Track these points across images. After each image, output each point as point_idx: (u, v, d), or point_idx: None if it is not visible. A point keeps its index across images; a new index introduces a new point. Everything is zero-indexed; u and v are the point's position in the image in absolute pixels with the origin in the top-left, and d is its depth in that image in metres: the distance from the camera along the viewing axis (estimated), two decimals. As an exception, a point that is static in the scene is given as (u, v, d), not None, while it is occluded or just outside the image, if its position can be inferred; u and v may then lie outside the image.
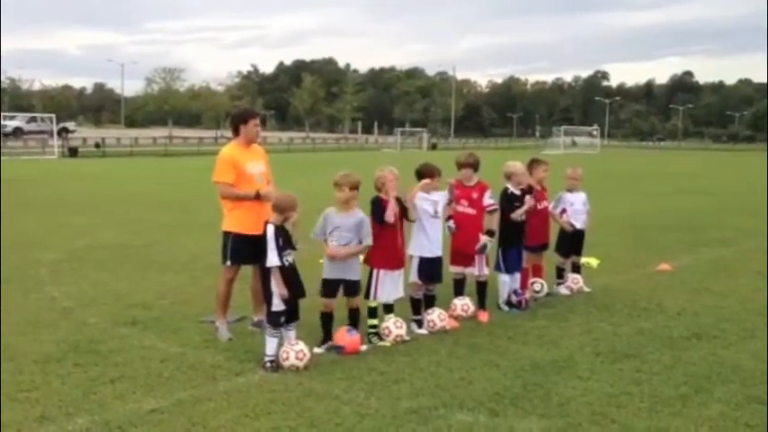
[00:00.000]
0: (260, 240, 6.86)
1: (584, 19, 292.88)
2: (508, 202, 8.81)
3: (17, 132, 68.45)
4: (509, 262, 8.88)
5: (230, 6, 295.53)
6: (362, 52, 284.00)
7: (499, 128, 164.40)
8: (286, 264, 6.70)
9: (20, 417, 5.50)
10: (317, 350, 7.08)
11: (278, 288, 6.66)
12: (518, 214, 8.78)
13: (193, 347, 7.25)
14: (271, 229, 6.69)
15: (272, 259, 6.65)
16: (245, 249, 7.52)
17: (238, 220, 7.59)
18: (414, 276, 8.05)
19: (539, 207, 9.33)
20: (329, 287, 7.24)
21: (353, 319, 7.37)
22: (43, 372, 6.46)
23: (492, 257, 8.88)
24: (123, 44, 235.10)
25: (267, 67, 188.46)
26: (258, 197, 7.49)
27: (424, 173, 7.97)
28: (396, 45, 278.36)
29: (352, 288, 7.36)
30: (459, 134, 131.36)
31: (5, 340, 7.34)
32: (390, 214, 7.41)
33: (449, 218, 8.58)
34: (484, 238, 8.43)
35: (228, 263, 7.70)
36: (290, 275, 6.73)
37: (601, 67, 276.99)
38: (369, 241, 7.33)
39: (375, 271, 7.56)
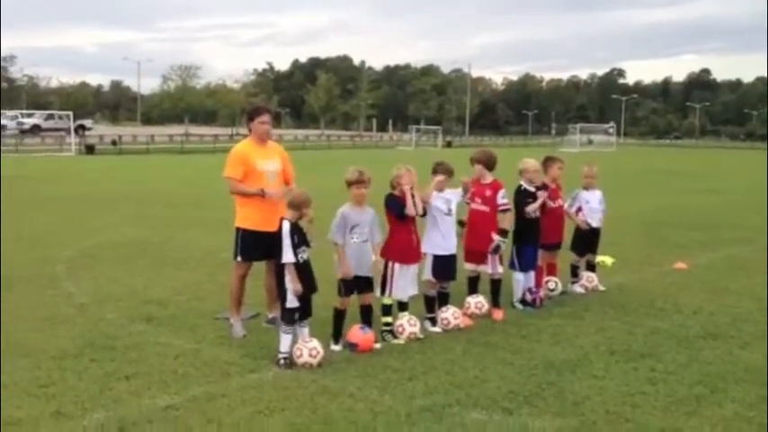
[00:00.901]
0: (271, 237, 6.91)
1: (600, 16, 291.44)
2: (521, 198, 8.81)
3: (35, 129, 69.04)
4: (523, 260, 8.86)
5: (245, 4, 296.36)
6: (377, 49, 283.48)
7: (514, 125, 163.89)
8: (300, 260, 6.73)
9: (36, 412, 5.55)
10: (334, 348, 7.10)
11: (292, 284, 6.68)
12: (532, 209, 8.77)
13: (208, 344, 7.29)
14: (286, 226, 6.71)
15: (287, 256, 6.67)
16: (255, 245, 7.57)
17: (248, 217, 7.64)
18: (428, 274, 8.06)
19: (553, 205, 9.32)
20: (348, 285, 7.25)
21: (366, 316, 7.38)
22: (60, 367, 6.51)
23: (506, 255, 8.87)
24: (139, 42, 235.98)
25: (282, 65, 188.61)
26: (263, 195, 7.51)
27: (438, 171, 7.99)
28: (411, 42, 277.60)
29: (365, 284, 7.37)
30: (475, 132, 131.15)
31: (23, 336, 7.41)
32: (411, 207, 7.43)
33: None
34: (497, 238, 8.42)
35: (239, 258, 7.75)
36: (303, 272, 6.76)
37: (617, 64, 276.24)
38: (380, 238, 7.39)
39: (390, 264, 7.56)
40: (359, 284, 7.31)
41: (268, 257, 7.53)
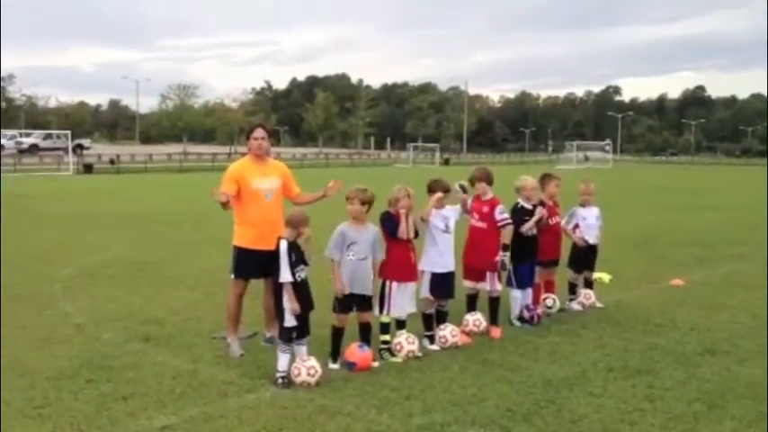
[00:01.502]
0: (267, 256, 6.93)
1: (595, 33, 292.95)
2: (518, 216, 8.82)
3: (33, 149, 69.13)
4: (520, 277, 8.86)
5: (243, 23, 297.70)
6: (375, 67, 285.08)
7: (511, 143, 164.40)
8: (298, 279, 6.73)
9: (32, 433, 5.52)
10: (332, 366, 7.09)
11: (290, 303, 6.67)
12: (527, 228, 8.77)
13: (205, 364, 7.27)
14: (284, 245, 6.72)
15: (285, 275, 6.67)
16: (248, 264, 7.57)
17: (242, 235, 7.66)
18: (425, 292, 8.05)
19: (551, 222, 9.32)
20: (344, 302, 7.24)
21: (364, 334, 7.37)
22: (56, 388, 6.48)
23: (504, 273, 8.86)
24: (138, 61, 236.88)
25: (280, 83, 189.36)
26: (224, 205, 7.48)
27: (434, 189, 8.01)
28: (408, 60, 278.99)
29: (364, 303, 7.36)
30: (472, 149, 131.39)
31: (19, 356, 7.38)
32: (404, 230, 7.45)
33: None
34: (500, 254, 8.43)
35: (232, 276, 7.75)
36: (301, 291, 6.76)
37: (613, 81, 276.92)
38: (381, 256, 7.39)
39: (388, 284, 7.56)
40: (357, 302, 7.30)
41: (265, 276, 7.53)
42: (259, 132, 7.78)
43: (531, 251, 8.93)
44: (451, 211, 8.14)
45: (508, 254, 8.51)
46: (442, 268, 8.02)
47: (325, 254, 7.20)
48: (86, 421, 5.75)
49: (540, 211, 8.88)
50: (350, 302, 7.25)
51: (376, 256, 7.36)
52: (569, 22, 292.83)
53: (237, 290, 7.80)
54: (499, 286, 8.61)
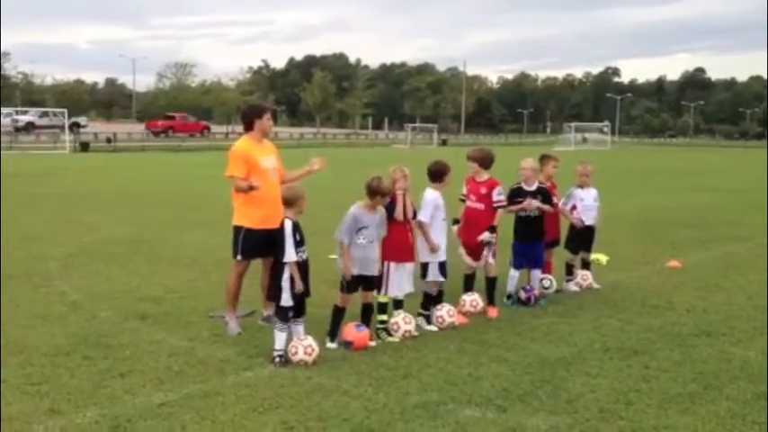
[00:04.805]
0: (271, 235, 6.90)
1: (595, 14, 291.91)
2: (513, 196, 8.80)
3: (29, 127, 68.84)
4: (514, 257, 8.88)
5: (241, 1, 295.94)
6: (373, 48, 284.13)
7: (510, 124, 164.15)
8: (300, 260, 6.73)
9: (29, 409, 5.53)
10: (330, 345, 7.10)
11: (295, 283, 6.66)
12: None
13: (202, 342, 7.27)
14: (289, 225, 6.72)
15: (290, 255, 6.67)
16: (256, 244, 7.56)
17: (249, 215, 7.61)
18: (434, 275, 8.00)
19: (550, 210, 9.31)
20: (352, 283, 7.24)
21: (367, 314, 7.38)
22: (53, 365, 6.49)
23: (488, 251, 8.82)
24: (134, 39, 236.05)
25: (278, 63, 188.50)
26: (251, 189, 7.44)
27: (443, 172, 8.00)
28: (407, 40, 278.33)
29: (370, 283, 7.37)
30: (470, 130, 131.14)
31: (15, 334, 7.38)
32: (400, 212, 7.44)
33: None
34: (485, 234, 8.42)
35: (239, 257, 7.72)
36: (302, 272, 6.76)
37: (612, 63, 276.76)
38: (384, 233, 7.44)
39: (386, 264, 7.56)
40: (363, 282, 7.31)
41: (267, 255, 7.52)
42: (271, 115, 7.93)
43: (522, 232, 8.89)
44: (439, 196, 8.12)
45: (494, 234, 8.49)
46: (442, 257, 8.02)
47: (334, 236, 7.19)
48: (84, 398, 5.76)
49: (527, 202, 8.79)
50: (357, 283, 7.26)
51: (381, 234, 7.37)
52: (569, 2, 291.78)
53: (240, 269, 7.78)
54: (493, 263, 8.61)
